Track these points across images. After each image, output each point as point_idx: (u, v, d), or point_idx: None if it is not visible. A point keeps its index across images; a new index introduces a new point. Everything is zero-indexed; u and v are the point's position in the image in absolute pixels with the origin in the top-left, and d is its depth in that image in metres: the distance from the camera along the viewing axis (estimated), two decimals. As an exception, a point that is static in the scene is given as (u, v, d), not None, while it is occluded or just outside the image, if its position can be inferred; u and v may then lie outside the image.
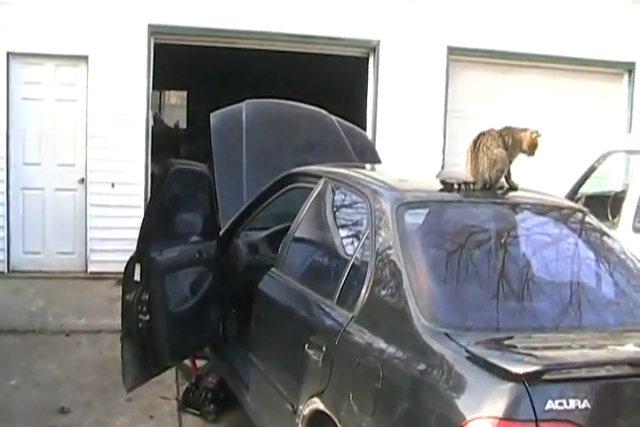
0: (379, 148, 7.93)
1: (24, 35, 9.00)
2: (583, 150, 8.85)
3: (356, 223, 4.34)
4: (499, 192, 4.20)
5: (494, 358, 2.90)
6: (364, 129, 9.45)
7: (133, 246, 4.80)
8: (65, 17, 9.06)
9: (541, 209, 4.28)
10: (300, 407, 3.91)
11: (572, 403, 2.77)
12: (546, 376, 2.77)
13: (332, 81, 12.89)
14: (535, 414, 2.73)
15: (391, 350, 3.32)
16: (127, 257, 4.89)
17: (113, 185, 9.29)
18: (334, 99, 9.94)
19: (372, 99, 10.19)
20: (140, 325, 4.70)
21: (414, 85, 10.13)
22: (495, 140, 4.12)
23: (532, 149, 4.13)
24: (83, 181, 9.38)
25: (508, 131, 4.18)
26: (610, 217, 7.00)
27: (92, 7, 9.11)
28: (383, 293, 3.59)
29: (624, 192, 7.34)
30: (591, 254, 4.18)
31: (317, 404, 3.73)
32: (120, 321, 4.91)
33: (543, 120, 9.53)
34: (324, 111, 6.84)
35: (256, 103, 6.69)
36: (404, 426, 3.17)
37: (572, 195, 7.41)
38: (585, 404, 2.78)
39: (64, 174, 9.40)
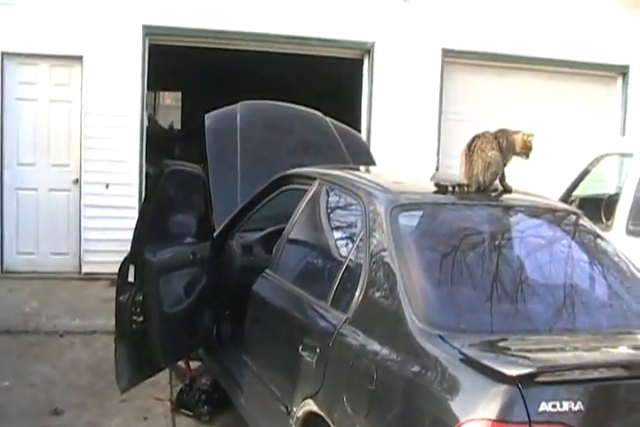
0: (373, 149, 7.93)
1: (18, 35, 8.99)
2: (577, 153, 8.89)
3: (350, 225, 4.35)
4: (493, 194, 4.21)
5: (488, 360, 2.91)
6: (359, 131, 9.45)
7: (127, 247, 4.79)
8: (59, 17, 9.05)
9: (535, 211, 4.29)
10: (294, 409, 3.91)
11: (566, 405, 2.77)
12: (539, 378, 2.78)
13: (326, 83, 12.90)
14: (529, 417, 2.73)
15: (385, 351, 3.32)
16: (121, 258, 4.88)
17: (107, 186, 9.28)
18: (329, 100, 9.95)
19: (366, 101, 10.20)
20: (134, 326, 4.69)
21: (409, 87, 10.14)
22: (490, 143, 4.12)
23: (526, 151, 4.13)
24: (77, 181, 9.37)
25: (503, 133, 4.18)
26: (603, 219, 7.02)
27: (87, 8, 9.11)
28: (377, 295, 3.59)
29: (618, 195, 7.36)
30: (585, 257, 4.19)
31: (311, 405, 3.73)
32: (114, 322, 4.90)
33: (537, 122, 9.56)
34: (318, 113, 6.85)
35: (251, 104, 6.69)
36: (397, 428, 3.18)
37: (566, 197, 7.43)
38: (578, 406, 2.79)
39: (58, 175, 9.39)
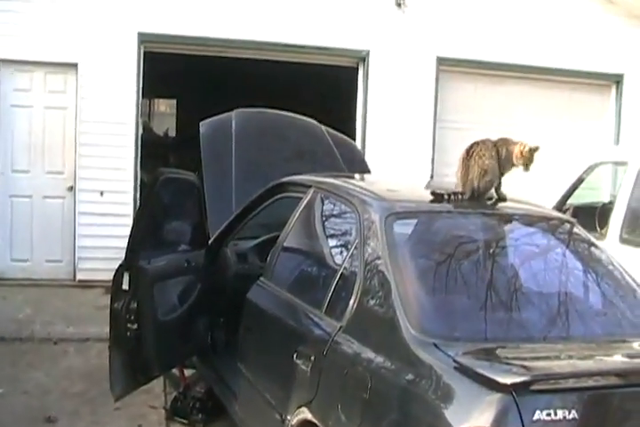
0: (368, 157, 7.95)
1: (14, 42, 8.98)
2: (572, 161, 8.90)
3: (344, 233, 4.35)
4: (487, 203, 4.22)
5: (482, 369, 2.91)
6: (354, 139, 9.46)
7: (122, 255, 4.79)
8: (55, 25, 9.06)
9: (530, 220, 4.30)
10: (289, 417, 3.91)
11: (560, 413, 2.78)
12: (534, 387, 2.78)
13: (321, 91, 12.92)
14: (523, 425, 2.74)
15: (379, 359, 3.32)
16: (116, 265, 4.88)
17: (102, 193, 9.27)
18: (324, 108, 9.97)
19: (361, 109, 10.21)
20: (129, 333, 4.69)
21: (404, 95, 10.16)
22: (489, 151, 4.13)
23: (525, 162, 4.10)
24: (71, 188, 9.36)
25: (503, 142, 4.18)
26: (598, 228, 7.03)
27: (82, 15, 9.11)
28: (372, 303, 3.59)
29: (612, 203, 7.37)
30: (579, 265, 4.20)
31: (306, 414, 3.73)
32: (108, 330, 4.90)
33: (532, 131, 9.60)
34: (313, 121, 6.86)
35: (245, 112, 6.70)
36: (392, 436, 3.18)
37: (561, 206, 7.44)
38: (572, 414, 2.79)
39: (53, 182, 9.38)
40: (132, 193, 9.41)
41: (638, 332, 3.67)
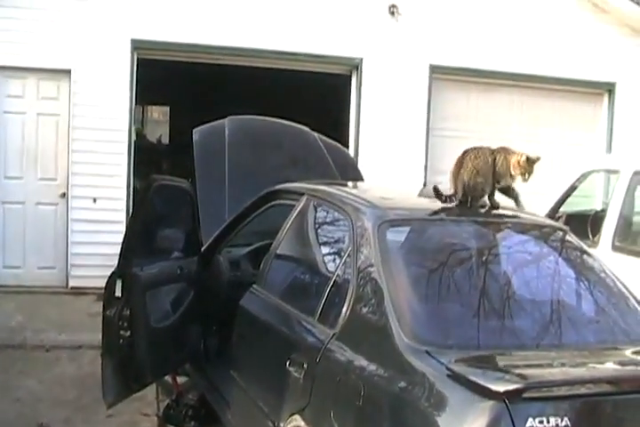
0: (361, 165, 7.96)
1: (6, 48, 8.99)
2: (564, 169, 8.93)
3: (337, 241, 4.35)
4: (480, 210, 4.23)
5: (475, 376, 2.91)
6: (347, 146, 9.50)
7: (115, 262, 4.78)
8: (48, 31, 9.07)
9: (522, 228, 4.31)
10: (282, 425, 3.90)
11: (553, 421, 2.77)
12: (526, 394, 2.78)
13: (315, 98, 12.93)
14: (515, 432, 2.74)
15: (372, 367, 3.32)
16: (108, 272, 4.86)
17: (95, 200, 9.28)
18: (317, 116, 9.98)
19: (354, 116, 10.24)
20: (121, 341, 4.68)
21: (397, 103, 10.19)
22: (485, 156, 4.13)
23: (523, 173, 4.07)
24: (64, 195, 9.36)
25: (502, 151, 4.16)
26: (590, 236, 7.04)
27: (75, 21, 9.13)
28: (364, 310, 3.59)
29: (604, 211, 7.39)
30: (571, 273, 4.20)
31: (298, 421, 3.71)
32: (101, 337, 4.89)
33: (525, 139, 9.65)
34: (306, 128, 6.86)
35: (239, 120, 6.70)
36: (385, 444, 3.18)
37: (553, 213, 7.45)
38: (565, 422, 2.79)
39: (45, 189, 9.38)
40: (125, 200, 9.41)
41: (630, 339, 3.68)
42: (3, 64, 9.08)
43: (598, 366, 3.38)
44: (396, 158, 10.09)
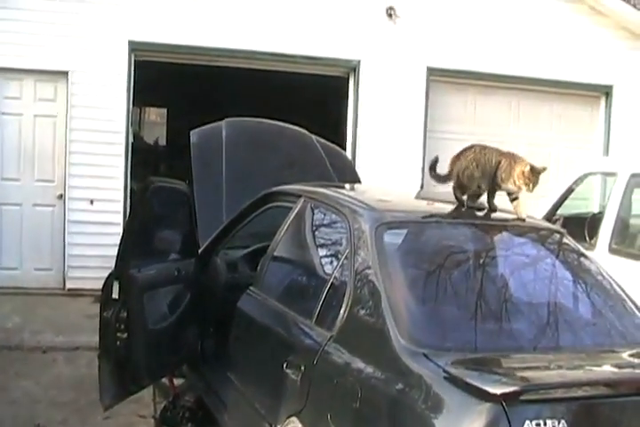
0: (358, 167, 7.97)
1: (4, 49, 8.98)
2: (561, 171, 8.94)
3: (335, 243, 4.35)
4: (477, 213, 4.23)
5: (472, 379, 2.92)
6: (344, 148, 9.50)
7: (112, 263, 4.78)
8: (45, 32, 9.06)
9: (519, 230, 4.30)
10: (278, 427, 3.91)
11: (550, 423, 2.78)
12: (523, 397, 2.79)
13: (312, 100, 12.94)
14: (513, 435, 2.74)
15: (370, 369, 3.32)
16: (106, 274, 4.87)
17: (92, 202, 9.28)
18: (315, 118, 9.98)
19: (351, 118, 10.24)
20: (118, 342, 4.67)
21: (394, 105, 10.19)
22: (490, 156, 4.12)
23: (526, 183, 4.05)
24: (61, 197, 9.35)
25: (509, 156, 4.14)
26: (587, 238, 7.05)
27: (73, 23, 9.13)
28: (362, 312, 3.60)
29: (601, 213, 7.40)
30: (568, 275, 4.20)
31: (295, 423, 3.72)
32: (98, 339, 4.89)
33: (522, 141, 9.65)
34: (304, 130, 6.86)
35: (236, 121, 6.70)
36: (382, 446, 3.18)
37: (551, 216, 7.46)
38: (562, 424, 2.80)
39: (42, 190, 9.37)
40: (122, 202, 9.41)
41: (627, 342, 3.69)
42: (0, 66, 9.06)
43: (595, 368, 3.40)
44: (393, 161, 10.09)
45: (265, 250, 4.87)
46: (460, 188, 4.21)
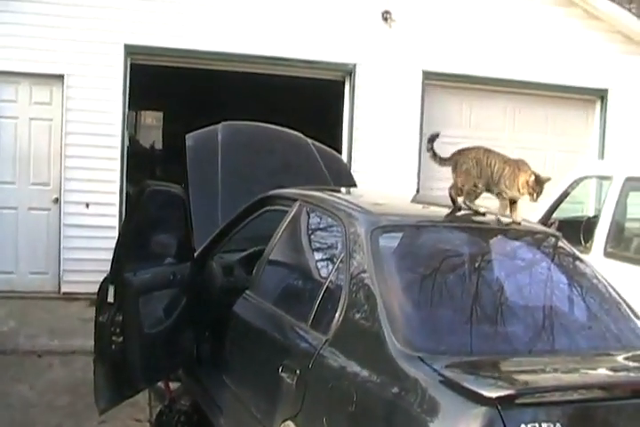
0: (354, 171, 7.97)
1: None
2: (557, 175, 8.93)
3: (330, 247, 4.36)
4: (473, 217, 4.23)
5: (467, 382, 2.92)
6: (340, 152, 9.51)
7: (107, 267, 4.77)
8: (41, 36, 9.04)
9: (515, 234, 4.30)
10: (274, 431, 3.90)
11: (545, 427, 2.79)
12: (519, 400, 2.79)
13: (308, 104, 12.95)
14: (508, 439, 2.74)
15: (365, 373, 3.32)
16: (101, 278, 4.86)
17: (87, 205, 9.27)
18: (311, 121, 9.98)
19: (347, 122, 10.25)
20: (114, 346, 4.67)
21: (390, 109, 10.21)
22: (495, 160, 4.13)
23: (530, 192, 4.05)
24: (57, 200, 9.35)
25: (514, 164, 4.14)
26: (582, 242, 7.06)
27: (69, 26, 9.12)
28: (357, 316, 3.60)
29: (596, 217, 7.41)
30: (564, 279, 4.21)
31: (291, 427, 3.72)
32: (93, 343, 4.88)
33: (517, 145, 9.66)
34: (299, 134, 6.86)
35: (232, 125, 6.70)
36: (377, 450, 3.18)
37: (546, 219, 7.47)
38: (557, 428, 2.80)
39: (38, 194, 9.36)
40: (118, 205, 9.41)
41: (622, 345, 3.70)
42: (-4, 69, 9.08)
43: (590, 371, 3.40)
44: (389, 164, 10.10)
45: (261, 254, 4.87)
46: (455, 185, 4.20)
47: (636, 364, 3.62)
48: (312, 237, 4.67)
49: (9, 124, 9.25)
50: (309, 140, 6.83)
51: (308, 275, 4.50)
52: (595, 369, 3.45)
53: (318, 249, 4.59)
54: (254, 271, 4.85)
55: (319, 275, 4.27)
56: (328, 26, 9.93)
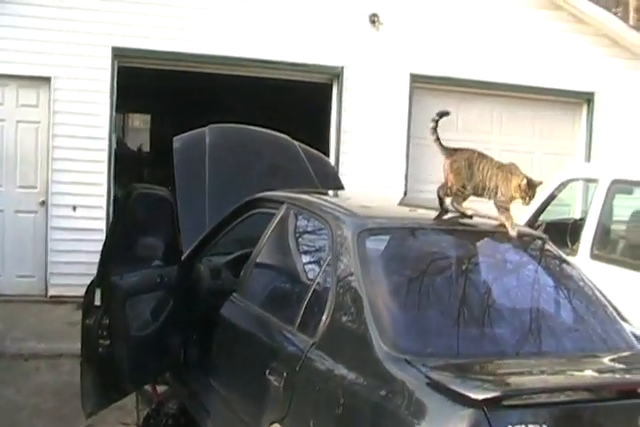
0: (342, 174, 7.98)
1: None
2: (544, 178, 8.95)
3: (317, 249, 4.36)
4: (460, 219, 4.24)
5: (454, 384, 2.93)
6: (328, 155, 9.51)
7: (94, 270, 4.76)
8: (28, 38, 9.01)
9: (502, 236, 4.31)
10: (261, 434, 3.90)
11: (531, 428, 2.80)
12: (505, 402, 2.80)
13: (296, 106, 12.95)
14: (494, 440, 2.75)
15: (352, 376, 3.32)
16: (88, 281, 4.85)
17: (74, 208, 9.24)
18: (298, 124, 9.99)
19: (335, 125, 10.25)
20: (101, 350, 4.66)
21: (377, 112, 10.22)
22: (485, 165, 4.13)
23: (523, 196, 4.04)
24: (44, 203, 9.31)
25: (507, 169, 4.13)
26: (569, 244, 7.08)
27: (56, 29, 9.09)
28: (344, 319, 3.60)
29: (583, 219, 7.44)
30: (550, 281, 4.22)
31: (278, 430, 3.72)
32: (80, 346, 4.86)
33: (504, 148, 9.68)
34: (287, 137, 6.86)
35: (219, 128, 6.69)
36: (365, 452, 3.18)
37: (533, 222, 7.49)
38: (544, 429, 2.81)
39: (25, 197, 9.33)
40: (106, 208, 9.38)
41: (608, 347, 3.72)
42: (-18, 71, 9.04)
43: (577, 373, 3.42)
44: (376, 167, 10.11)
45: (248, 257, 4.86)
46: (445, 184, 4.20)
47: (621, 365, 3.64)
48: (299, 239, 4.67)
49: (-4, 127, 9.23)
50: (297, 143, 6.83)
51: (295, 278, 4.50)
52: (581, 371, 3.47)
53: (305, 252, 4.60)
54: (241, 274, 4.84)
55: (306, 278, 4.27)
56: (316, 29, 9.94)
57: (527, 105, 10.85)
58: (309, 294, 3.95)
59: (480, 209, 4.34)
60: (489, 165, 4.14)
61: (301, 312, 3.92)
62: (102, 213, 9.35)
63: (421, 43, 10.25)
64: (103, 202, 9.38)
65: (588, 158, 10.98)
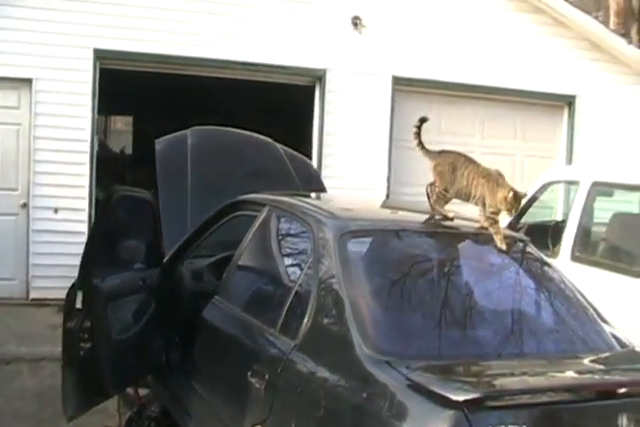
0: (324, 176, 7.98)
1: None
2: (525, 180, 9.01)
3: (299, 252, 4.36)
4: (441, 222, 4.25)
5: (435, 386, 2.94)
6: (310, 157, 9.51)
7: (76, 273, 4.75)
8: (9, 39, 8.98)
9: (484, 238, 4.31)
10: (243, 436, 3.89)
11: (512, 430, 2.81)
12: (486, 403, 2.81)
13: (278, 109, 12.95)
14: (475, 442, 2.76)
15: (334, 378, 3.33)
16: (70, 284, 4.83)
17: (56, 211, 9.20)
18: (280, 127, 9.99)
19: (317, 127, 10.27)
20: (82, 353, 4.64)
21: (360, 114, 10.24)
22: (469, 173, 4.13)
23: (509, 208, 4.06)
24: (25, 205, 9.27)
25: (494, 180, 4.12)
26: (550, 246, 7.12)
27: (38, 30, 9.05)
28: (326, 321, 3.61)
29: (564, 222, 7.48)
30: (532, 283, 4.24)
31: (260, 433, 3.72)
32: (62, 349, 4.84)
33: (486, 151, 9.72)
34: (269, 139, 6.86)
35: (201, 130, 6.68)
36: (346, 454, 3.18)
37: (515, 224, 7.52)
38: (525, 430, 2.83)
39: (6, 199, 9.27)
40: (88, 210, 9.36)
41: (589, 348, 3.74)
42: (-38, 73, 8.99)
43: (558, 374, 3.44)
44: (359, 170, 10.13)
45: (230, 259, 4.86)
46: (434, 183, 4.21)
47: (601, 366, 3.66)
48: (281, 242, 4.67)
49: (-24, 129, 9.18)
50: (279, 146, 6.83)
51: (276, 280, 4.50)
52: (562, 372, 3.49)
53: (287, 254, 4.60)
54: (224, 276, 4.84)
55: (288, 280, 4.28)
56: (298, 31, 9.96)
57: (509, 108, 10.90)
58: (291, 297, 3.95)
59: (462, 211, 4.35)
60: (475, 171, 4.14)
61: (283, 314, 3.92)
62: (84, 216, 9.32)
63: (404, 46, 10.29)
64: (85, 204, 9.35)
65: (570, 161, 11.05)
